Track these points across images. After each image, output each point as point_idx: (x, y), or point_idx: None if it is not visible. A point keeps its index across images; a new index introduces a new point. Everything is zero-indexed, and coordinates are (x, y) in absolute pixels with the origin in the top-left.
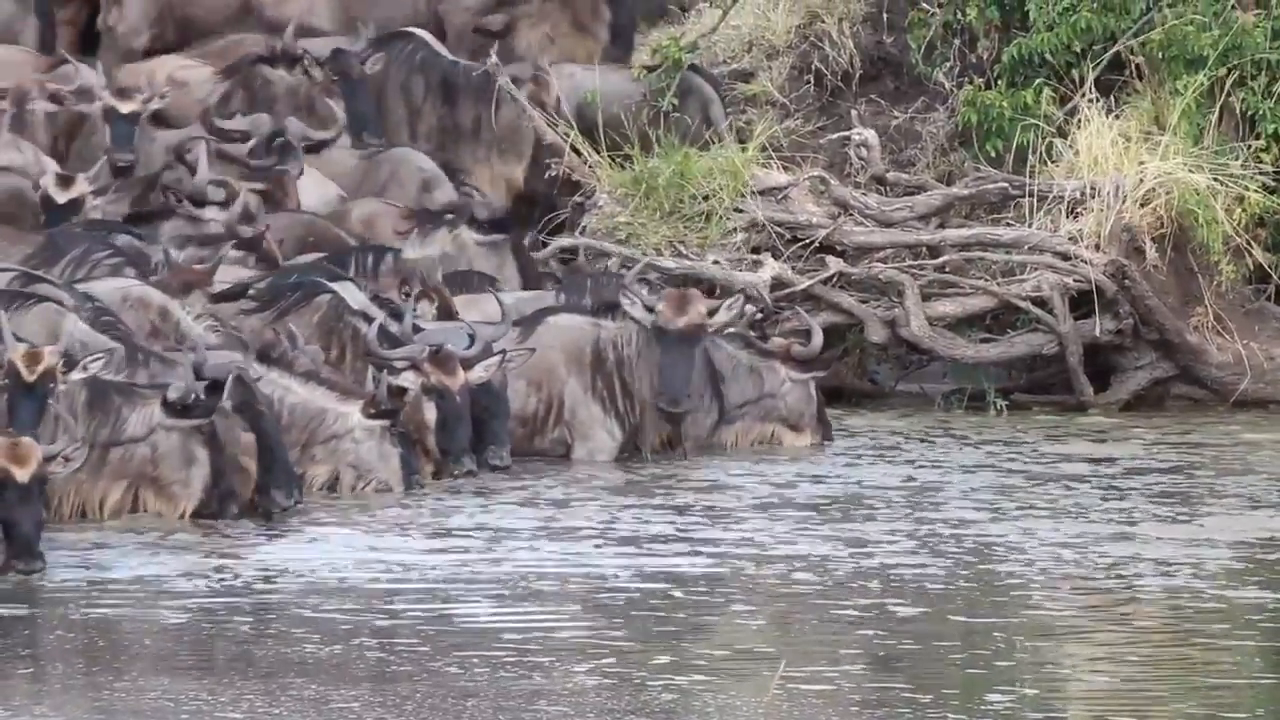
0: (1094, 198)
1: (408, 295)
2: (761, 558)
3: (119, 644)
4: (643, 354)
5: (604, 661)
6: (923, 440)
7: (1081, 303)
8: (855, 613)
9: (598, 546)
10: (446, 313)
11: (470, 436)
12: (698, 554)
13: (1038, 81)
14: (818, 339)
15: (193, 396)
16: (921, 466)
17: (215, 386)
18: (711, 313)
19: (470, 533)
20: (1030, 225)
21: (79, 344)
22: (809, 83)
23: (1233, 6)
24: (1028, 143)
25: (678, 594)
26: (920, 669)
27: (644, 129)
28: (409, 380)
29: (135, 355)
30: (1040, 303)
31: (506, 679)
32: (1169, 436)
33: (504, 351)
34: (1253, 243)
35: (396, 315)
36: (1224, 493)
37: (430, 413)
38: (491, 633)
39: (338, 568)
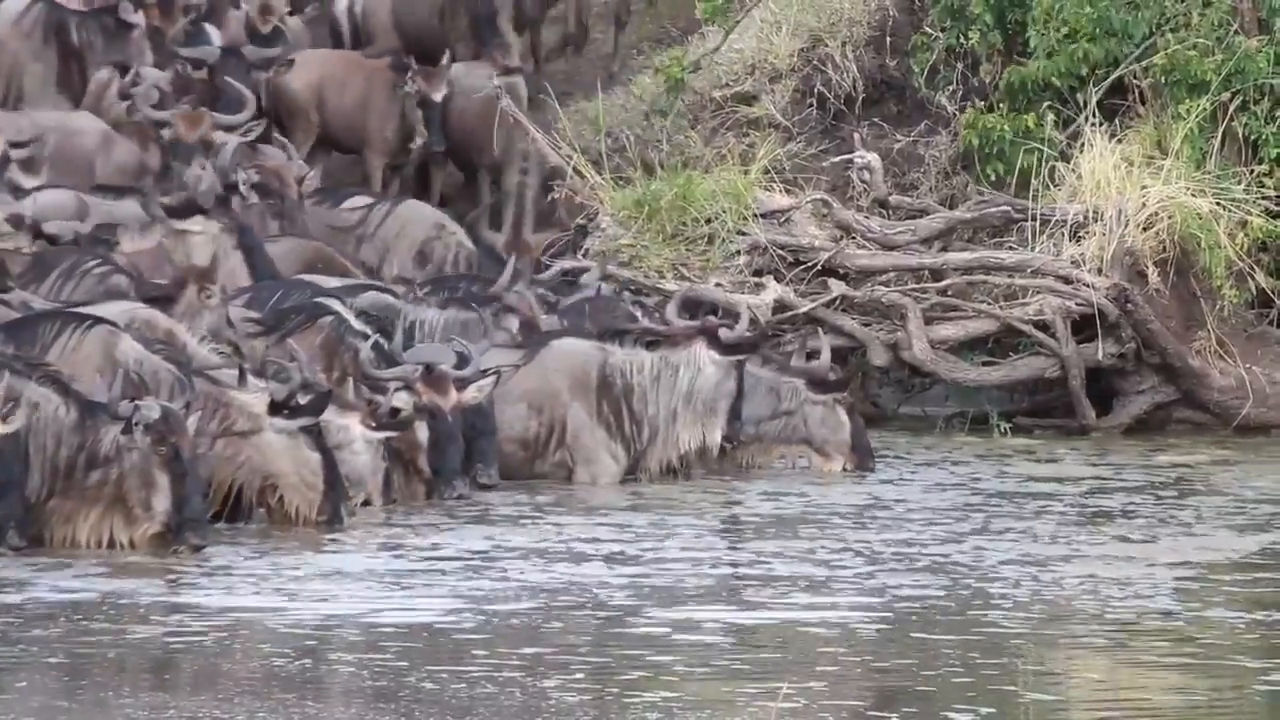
0: (1096, 222)
1: None
2: (731, 576)
3: (108, 662)
4: (660, 381)
5: (575, 677)
6: (900, 459)
7: (1084, 326)
8: (820, 630)
9: (572, 564)
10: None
11: (462, 458)
12: (664, 571)
13: (1044, 107)
14: (825, 356)
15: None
16: (886, 484)
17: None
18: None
19: (451, 551)
20: (1033, 249)
21: (133, 366)
22: (812, 106)
23: (1235, 32)
24: (1030, 166)
25: (654, 612)
26: (881, 686)
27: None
28: (402, 400)
29: (185, 378)
30: (1042, 326)
31: (484, 695)
32: (1144, 458)
33: (498, 372)
34: (1255, 267)
35: (385, 333)
36: (1185, 513)
37: (423, 433)
38: (465, 649)
39: (320, 585)
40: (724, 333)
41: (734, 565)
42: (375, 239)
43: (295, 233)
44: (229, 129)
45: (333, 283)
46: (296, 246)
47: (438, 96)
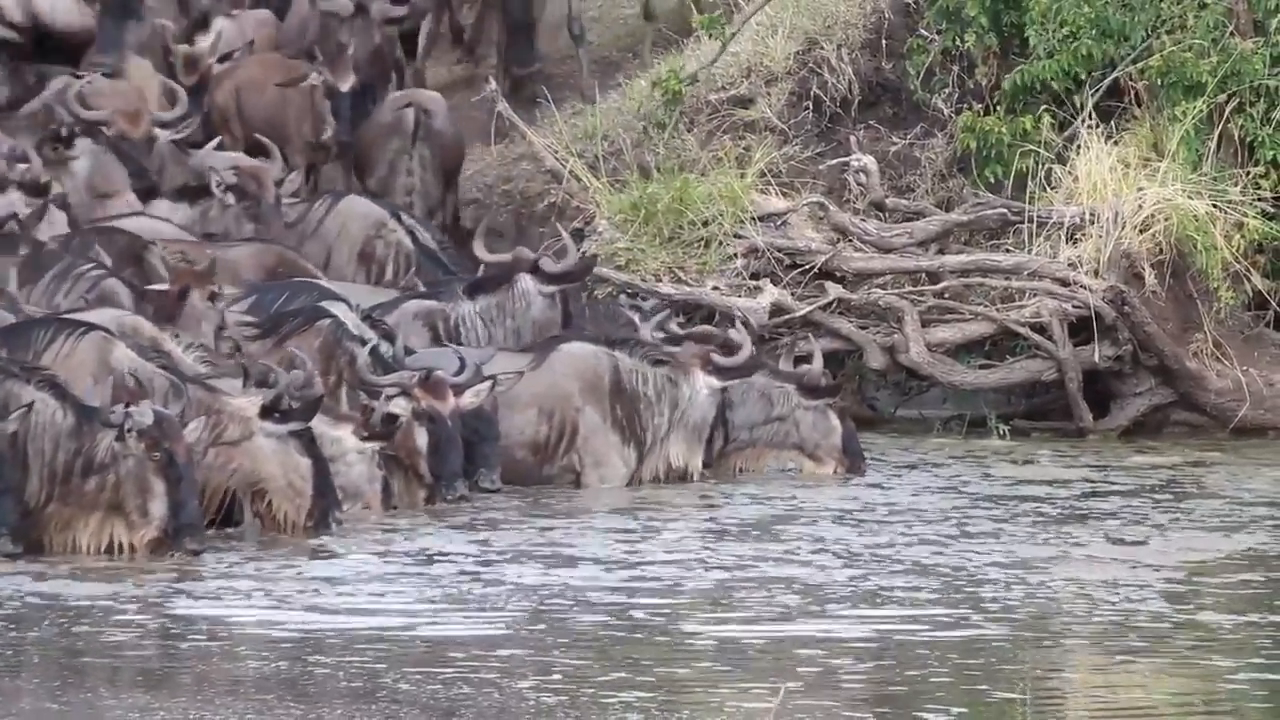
0: (1093, 224)
1: None
2: (718, 579)
3: (95, 664)
4: (663, 396)
5: (553, 678)
6: (893, 461)
7: (1081, 329)
8: (805, 633)
9: (559, 566)
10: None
11: (462, 461)
12: (650, 574)
13: (1041, 109)
14: (817, 361)
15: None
16: (876, 487)
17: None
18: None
19: (439, 554)
20: (1029, 251)
21: (129, 372)
22: (808, 109)
23: (1231, 33)
24: (1027, 169)
25: (637, 614)
26: (856, 687)
27: None
28: (400, 406)
29: (180, 384)
30: (1039, 329)
31: (461, 695)
32: (1138, 460)
33: (494, 377)
34: (1251, 269)
35: (389, 336)
36: (1178, 515)
37: (421, 438)
38: (445, 651)
39: (306, 588)
40: (720, 359)
41: (721, 568)
42: (317, 237)
43: (264, 236)
44: (164, 126)
45: (382, 296)
46: (258, 250)
47: (344, 86)
